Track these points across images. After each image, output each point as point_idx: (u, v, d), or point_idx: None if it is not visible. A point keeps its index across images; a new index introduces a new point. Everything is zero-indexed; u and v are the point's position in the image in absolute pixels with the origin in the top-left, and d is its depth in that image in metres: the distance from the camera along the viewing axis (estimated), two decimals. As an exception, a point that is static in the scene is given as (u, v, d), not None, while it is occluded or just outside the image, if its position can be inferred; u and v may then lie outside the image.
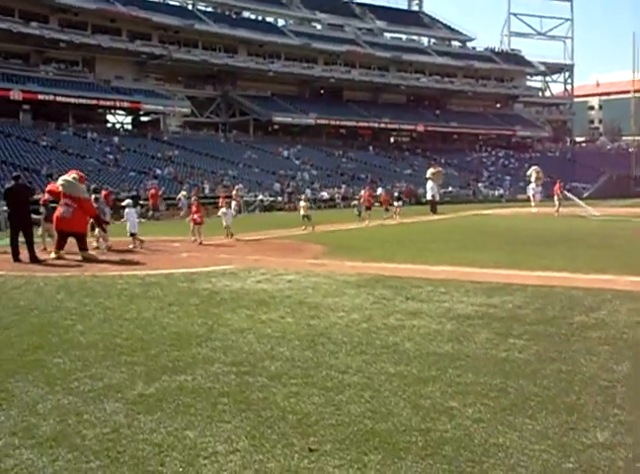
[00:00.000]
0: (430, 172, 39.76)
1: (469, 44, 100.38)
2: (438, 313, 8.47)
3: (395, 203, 33.69)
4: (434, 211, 36.74)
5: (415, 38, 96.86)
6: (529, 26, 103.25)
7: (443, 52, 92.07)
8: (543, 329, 7.59)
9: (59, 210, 15.30)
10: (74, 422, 4.74)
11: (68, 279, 11.36)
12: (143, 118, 70.15)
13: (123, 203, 19.57)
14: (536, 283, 10.57)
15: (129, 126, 69.76)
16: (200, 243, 18.39)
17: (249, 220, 31.67)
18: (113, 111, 66.94)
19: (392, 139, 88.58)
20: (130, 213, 18.33)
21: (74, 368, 6.07)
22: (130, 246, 17.32)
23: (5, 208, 18.68)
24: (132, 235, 17.80)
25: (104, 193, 20.97)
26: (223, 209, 19.54)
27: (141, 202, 35.49)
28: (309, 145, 72.71)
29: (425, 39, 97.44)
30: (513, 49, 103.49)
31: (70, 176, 15.59)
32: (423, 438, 4.41)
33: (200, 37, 69.88)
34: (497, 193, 69.42)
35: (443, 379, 5.75)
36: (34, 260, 14.52)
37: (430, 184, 38.94)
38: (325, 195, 52.01)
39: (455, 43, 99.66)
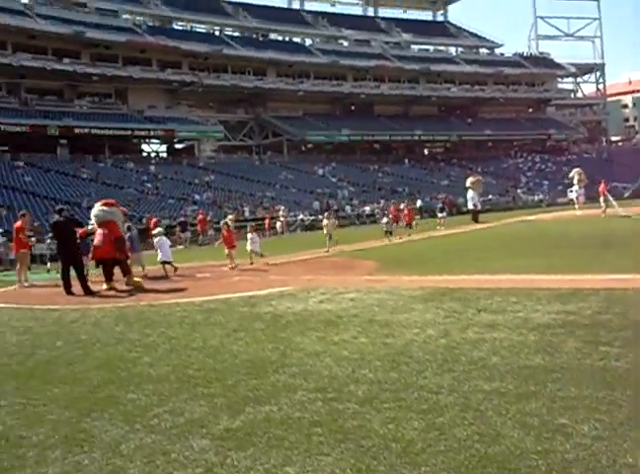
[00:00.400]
0: (469, 181, 39.19)
1: (497, 51, 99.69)
2: (515, 324, 8.03)
3: (439, 214, 33.42)
4: (476, 220, 36.14)
5: (442, 48, 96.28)
6: (557, 28, 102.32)
7: (472, 61, 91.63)
8: (633, 334, 7.09)
9: (95, 241, 15.11)
10: (162, 462, 4.42)
11: (124, 310, 11.10)
12: (178, 146, 70.48)
13: (154, 232, 19.36)
14: (606, 287, 10.05)
15: (164, 154, 70.09)
16: (232, 268, 18.05)
17: (292, 240, 31.33)
18: (147, 140, 67.43)
19: (426, 151, 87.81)
20: (162, 242, 18.23)
21: (150, 404, 5.75)
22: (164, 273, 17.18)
23: (49, 242, 18.86)
24: (165, 263, 17.68)
25: (154, 220, 20.94)
26: (249, 235, 18.79)
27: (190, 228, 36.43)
28: (344, 162, 72.64)
29: (452, 49, 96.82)
30: (541, 53, 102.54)
31: (96, 208, 15.43)
32: (544, 462, 4.02)
33: (228, 61, 70.41)
34: (536, 198, 68.27)
35: (545, 394, 5.33)
36: (87, 292, 14.35)
37: (470, 193, 38.36)
38: (367, 209, 51.59)
39: (483, 51, 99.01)
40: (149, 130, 62.55)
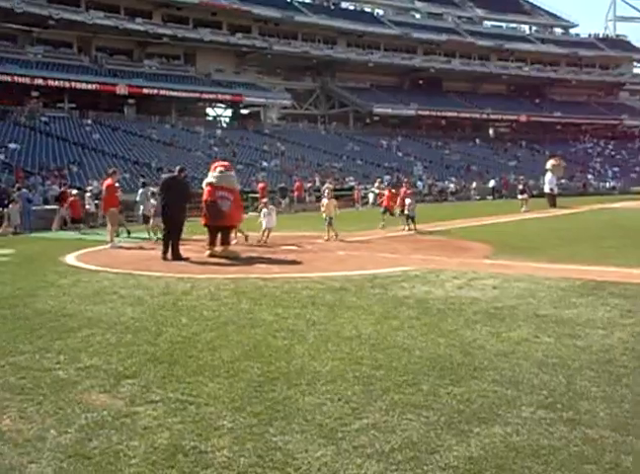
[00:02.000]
0: (550, 163, 37.45)
1: (572, 31, 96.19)
2: None
3: (520, 196, 31.95)
4: (553, 205, 34.33)
5: (515, 25, 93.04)
6: (636, 8, 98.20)
7: (546, 40, 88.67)
8: None
9: (209, 205, 14.05)
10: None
11: (238, 283, 10.05)
12: (243, 111, 69.52)
13: (264, 201, 18.95)
14: None
15: (228, 119, 69.25)
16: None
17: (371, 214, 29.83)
18: (213, 104, 66.57)
19: (491, 130, 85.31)
20: (272, 211, 17.70)
21: (343, 413, 4.67)
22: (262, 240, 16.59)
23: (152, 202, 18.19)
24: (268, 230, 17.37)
25: (261, 185, 20.16)
26: (265, 210, 17.17)
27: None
28: (409, 137, 70.97)
29: (526, 27, 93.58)
30: (618, 35, 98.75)
31: (217, 170, 14.31)
32: None
33: (299, 28, 68.99)
34: (608, 185, 65.63)
35: None
36: (176, 257, 13.37)
37: (549, 176, 36.52)
38: (452, 187, 50.16)
39: (557, 30, 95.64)
40: (217, 94, 61.57)
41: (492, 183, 51.54)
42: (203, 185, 14.40)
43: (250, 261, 13.19)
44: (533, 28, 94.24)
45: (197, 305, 8.35)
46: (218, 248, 13.84)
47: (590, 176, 68.56)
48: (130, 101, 56.52)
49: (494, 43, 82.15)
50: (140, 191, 21.61)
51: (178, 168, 14.59)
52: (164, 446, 4.05)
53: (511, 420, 4.51)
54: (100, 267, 12.22)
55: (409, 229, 20.23)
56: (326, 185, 32.27)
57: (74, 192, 23.73)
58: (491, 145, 77.44)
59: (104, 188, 17.50)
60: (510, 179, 56.95)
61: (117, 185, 18.31)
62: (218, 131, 57.68)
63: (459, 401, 4.89)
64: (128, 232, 19.94)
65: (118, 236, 18.32)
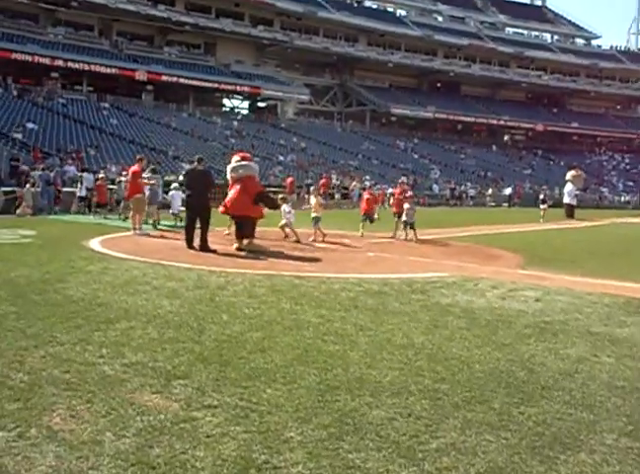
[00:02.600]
0: (570, 174, 37.11)
1: (594, 42, 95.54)
2: None
3: (541, 206, 31.57)
4: (570, 216, 33.92)
5: (537, 33, 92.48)
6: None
7: (567, 50, 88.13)
8: None
9: (229, 196, 13.81)
10: None
11: (273, 280, 9.73)
12: (260, 104, 69.18)
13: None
14: None
15: (245, 111, 68.91)
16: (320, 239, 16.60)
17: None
18: (231, 95, 66.23)
19: (506, 137, 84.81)
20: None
21: (417, 430, 4.35)
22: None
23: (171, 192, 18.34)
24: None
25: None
26: (285, 207, 16.59)
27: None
28: (425, 139, 70.55)
29: (547, 36, 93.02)
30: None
31: (234, 162, 14.05)
32: None
33: (320, 24, 68.74)
34: (622, 199, 65.19)
35: None
36: (204, 248, 13.10)
37: (569, 187, 36.11)
38: (472, 192, 49.87)
39: (579, 41, 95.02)
40: (235, 85, 61.19)
41: (508, 190, 51.15)
42: (228, 176, 14.10)
43: (278, 256, 12.87)
44: (555, 37, 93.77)
45: (235, 302, 8.02)
46: (245, 241, 13.50)
47: (604, 189, 68.09)
48: (149, 87, 56.22)
49: (514, 50, 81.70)
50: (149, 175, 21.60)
51: (197, 158, 14.31)
52: (232, 458, 3.73)
53: (595, 447, 4.20)
54: (126, 254, 11.90)
55: (408, 239, 17.87)
56: (353, 184, 32.07)
57: (101, 175, 23.37)
58: (506, 152, 77.03)
59: (130, 174, 17.15)
60: (525, 187, 56.58)
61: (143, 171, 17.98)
62: (235, 123, 57.37)
63: (536, 422, 4.58)
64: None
65: (146, 223, 18.07)
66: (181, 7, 61.17)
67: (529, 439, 4.28)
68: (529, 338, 7.01)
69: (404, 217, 18.04)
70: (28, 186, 22.75)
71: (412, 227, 17.93)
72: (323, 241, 16.12)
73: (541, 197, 33.92)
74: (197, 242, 13.41)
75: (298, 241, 15.56)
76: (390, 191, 37.73)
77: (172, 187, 21.15)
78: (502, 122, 79.40)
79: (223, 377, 5.17)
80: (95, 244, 13.61)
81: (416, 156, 64.08)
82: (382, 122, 75.42)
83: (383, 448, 4.00)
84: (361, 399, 4.85)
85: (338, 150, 57.55)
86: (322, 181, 37.86)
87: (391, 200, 23.01)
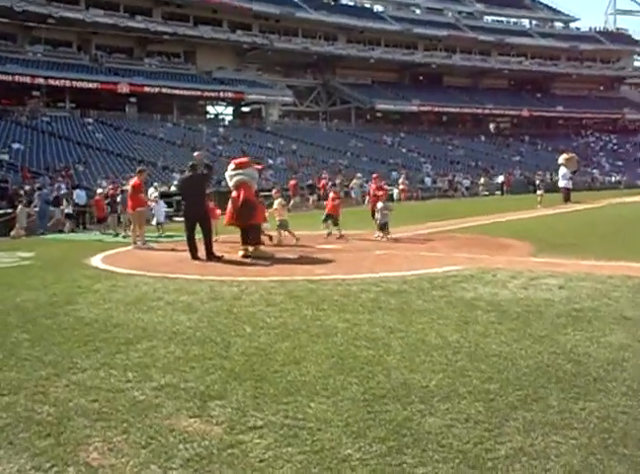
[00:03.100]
0: (563, 157, 36.84)
1: (572, 25, 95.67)
2: None
3: (538, 192, 31.39)
4: (567, 200, 33.74)
5: (515, 20, 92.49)
6: (636, 1, 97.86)
7: (547, 34, 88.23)
8: None
9: (229, 203, 13.52)
10: None
11: (287, 286, 9.46)
12: (244, 109, 68.87)
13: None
14: None
15: (230, 117, 68.61)
16: (340, 237, 16.54)
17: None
18: (215, 101, 65.95)
19: (492, 125, 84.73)
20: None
21: (482, 437, 4.01)
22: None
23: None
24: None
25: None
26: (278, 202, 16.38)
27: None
28: (412, 133, 70.38)
29: (526, 22, 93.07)
30: (618, 28, 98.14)
31: (230, 170, 13.76)
32: None
33: (299, 24, 68.62)
34: (613, 179, 65.17)
35: None
36: (211, 257, 12.78)
37: (563, 170, 35.87)
38: (467, 183, 49.77)
39: (558, 24, 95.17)
40: (219, 92, 60.88)
41: (500, 178, 51.00)
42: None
43: (286, 261, 12.58)
44: (534, 22, 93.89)
45: (254, 312, 7.72)
46: (250, 248, 13.21)
47: (594, 170, 68.05)
48: (132, 99, 55.86)
49: (494, 38, 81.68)
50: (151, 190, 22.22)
51: (189, 165, 14.02)
52: (295, 485, 3.42)
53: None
54: (132, 270, 11.58)
55: (382, 237, 16.26)
56: (353, 182, 31.84)
57: (99, 190, 23.29)
58: (493, 141, 76.97)
59: (130, 187, 16.85)
60: (515, 174, 56.53)
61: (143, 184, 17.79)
62: (221, 129, 57.17)
63: (600, 418, 4.31)
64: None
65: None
66: (158, 17, 60.84)
67: (599, 438, 4.01)
68: (565, 328, 6.75)
69: (377, 216, 16.46)
70: (20, 207, 22.38)
71: (383, 229, 16.22)
72: (296, 244, 15.51)
73: (537, 182, 33.71)
74: (201, 251, 13.07)
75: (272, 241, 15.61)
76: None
77: (152, 197, 21.52)
78: (487, 111, 79.40)
79: (261, 394, 4.87)
80: (97, 261, 13.28)
81: (404, 150, 63.91)
82: (367, 119, 75.28)
83: (449, 459, 3.72)
84: (412, 407, 4.57)
85: (326, 150, 57.30)
86: (322, 182, 37.70)
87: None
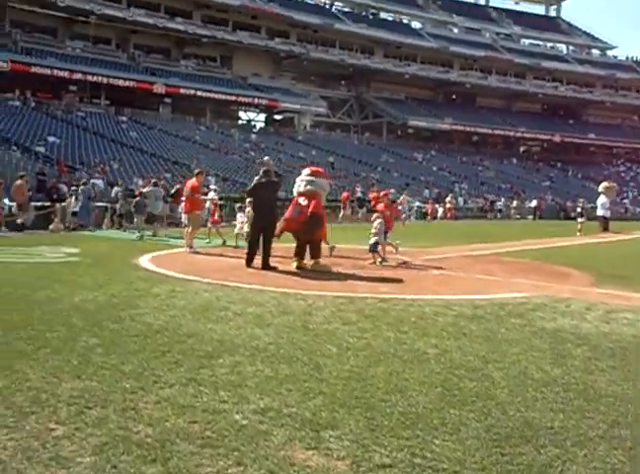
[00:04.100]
0: (603, 186, 36.22)
1: (610, 53, 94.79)
2: None
3: (579, 220, 30.85)
4: (605, 229, 33.12)
5: (552, 44, 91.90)
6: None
7: (583, 61, 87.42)
8: None
9: (289, 210, 13.07)
10: None
11: (357, 304, 9.00)
12: (276, 117, 68.69)
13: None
14: None
15: (261, 124, 68.46)
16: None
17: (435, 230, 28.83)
18: (248, 107, 65.76)
19: (522, 148, 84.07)
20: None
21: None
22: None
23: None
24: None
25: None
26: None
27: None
28: (442, 151, 70.04)
29: (563, 47, 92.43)
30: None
31: (303, 175, 13.31)
32: None
33: (337, 36, 68.32)
34: (644, 210, 64.27)
35: None
36: (266, 266, 12.35)
37: (602, 199, 35.27)
38: (499, 205, 49.45)
39: (595, 51, 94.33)
40: (253, 98, 60.70)
41: (534, 203, 50.36)
42: (294, 193, 13.37)
43: (344, 277, 12.11)
44: (570, 48, 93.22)
45: (332, 330, 7.30)
46: (308, 261, 12.78)
47: (625, 200, 67.20)
48: (166, 100, 55.77)
49: (530, 61, 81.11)
50: (148, 189, 21.80)
51: (262, 170, 13.57)
52: None
53: None
54: (185, 275, 11.20)
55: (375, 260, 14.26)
56: (402, 197, 31.51)
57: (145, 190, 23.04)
58: (523, 164, 76.31)
59: (188, 188, 16.52)
60: (547, 199, 55.92)
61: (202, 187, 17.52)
62: (253, 136, 56.97)
63: None
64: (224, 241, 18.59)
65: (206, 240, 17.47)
66: (198, 20, 60.85)
67: None
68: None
69: (373, 230, 14.18)
70: (67, 201, 22.23)
71: (374, 250, 14.17)
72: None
73: (578, 209, 33.16)
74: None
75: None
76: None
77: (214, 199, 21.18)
78: (518, 134, 78.83)
79: (376, 426, 4.44)
80: (146, 262, 12.93)
81: (435, 168, 63.47)
82: (398, 135, 74.85)
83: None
84: (547, 451, 4.13)
85: (357, 163, 56.98)
86: (372, 195, 37.38)
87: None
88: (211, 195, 22.16)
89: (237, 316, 7.82)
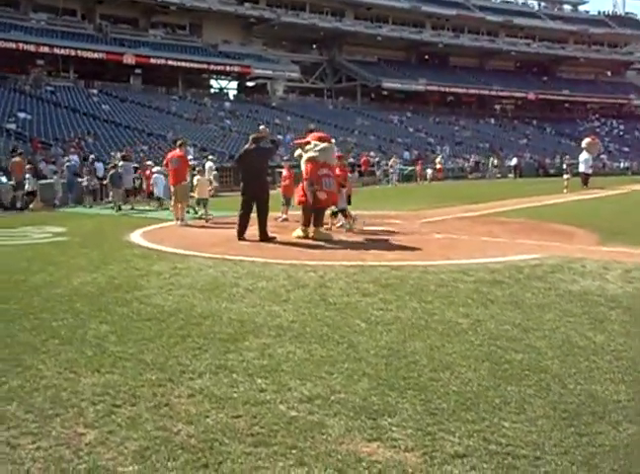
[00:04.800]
0: (585, 142, 35.89)
1: (581, 8, 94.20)
2: None
3: (565, 176, 30.63)
4: (585, 184, 32.95)
5: (523, 1, 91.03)
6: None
7: (555, 16, 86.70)
8: None
9: (320, 182, 12.46)
10: None
11: (368, 272, 8.64)
12: (249, 84, 67.59)
13: (154, 170, 20.58)
14: None
15: (234, 92, 67.39)
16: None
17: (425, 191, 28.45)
18: (220, 75, 64.54)
19: (497, 107, 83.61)
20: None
21: None
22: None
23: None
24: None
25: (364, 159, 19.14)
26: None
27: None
28: (417, 112, 69.40)
29: (534, 3, 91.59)
30: (627, 13, 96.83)
31: (317, 142, 12.73)
32: None
33: (307, -1, 66.66)
34: (622, 165, 64.37)
35: None
36: (264, 238, 11.90)
37: (585, 155, 34.99)
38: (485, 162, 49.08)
39: (567, 7, 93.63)
40: (225, 66, 59.45)
41: (514, 161, 50.11)
42: (302, 160, 12.80)
43: (347, 245, 11.71)
44: (542, 4, 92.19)
45: (353, 302, 6.93)
46: (309, 229, 12.34)
47: (603, 156, 67.19)
48: (137, 71, 54.48)
49: (503, 19, 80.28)
50: (121, 163, 21.58)
51: (252, 137, 13.01)
52: None
53: None
54: (182, 250, 10.74)
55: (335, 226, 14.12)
56: (392, 160, 31.26)
57: (148, 162, 22.56)
58: (499, 123, 75.95)
59: (171, 159, 15.87)
60: (525, 157, 55.80)
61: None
62: (227, 104, 55.99)
63: None
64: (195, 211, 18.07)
65: (188, 213, 16.93)
66: (165, -14, 59.22)
67: None
68: None
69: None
70: (55, 177, 21.67)
71: (342, 214, 13.90)
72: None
73: (564, 166, 32.91)
74: (250, 232, 12.20)
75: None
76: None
77: (154, 170, 20.75)
78: (493, 93, 78.21)
79: (434, 409, 4.08)
80: (138, 239, 12.45)
81: (411, 130, 62.97)
82: (372, 97, 74.02)
83: None
84: (624, 428, 3.77)
85: (333, 127, 56.07)
86: (362, 159, 37.36)
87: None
88: (209, 165, 22.28)
89: (249, 292, 7.40)
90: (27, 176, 21.46)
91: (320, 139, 12.71)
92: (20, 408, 4.13)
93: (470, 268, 8.94)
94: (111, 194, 20.73)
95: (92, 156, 24.53)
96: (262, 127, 17.29)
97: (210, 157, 26.22)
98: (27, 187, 21.17)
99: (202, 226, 15.19)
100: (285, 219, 15.15)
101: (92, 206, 20.39)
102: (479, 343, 5.49)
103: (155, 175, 19.71)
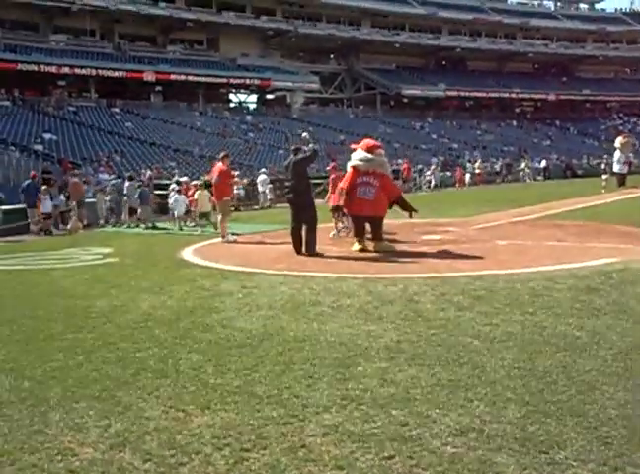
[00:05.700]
0: (619, 141, 35.26)
1: (597, 6, 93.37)
2: None
3: (603, 177, 30.07)
4: (623, 184, 32.34)
5: (539, 2, 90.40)
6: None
7: (572, 16, 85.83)
8: None
9: (357, 190, 12.06)
10: None
11: (452, 284, 8.15)
12: (269, 96, 67.42)
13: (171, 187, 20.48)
14: None
15: (254, 105, 67.21)
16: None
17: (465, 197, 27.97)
18: (240, 89, 64.50)
19: (518, 109, 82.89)
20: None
21: None
22: None
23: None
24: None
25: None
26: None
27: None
28: (438, 118, 68.96)
29: (550, 4, 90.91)
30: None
31: (360, 153, 12.32)
32: None
33: (323, 9, 66.79)
34: (648, 163, 63.26)
35: None
36: (313, 253, 11.60)
37: (618, 154, 34.38)
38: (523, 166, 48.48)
39: (583, 6, 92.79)
40: (244, 79, 59.37)
41: (543, 163, 49.46)
42: (348, 167, 12.44)
43: (412, 255, 11.23)
44: (558, 4, 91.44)
45: (452, 318, 6.52)
46: (368, 242, 11.89)
47: (630, 154, 66.24)
48: (157, 88, 54.49)
49: (520, 21, 79.70)
50: (127, 184, 21.33)
51: (293, 148, 12.65)
52: None
53: None
54: (246, 267, 10.29)
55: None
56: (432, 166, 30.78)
57: (193, 182, 22.02)
58: (520, 125, 75.27)
59: (216, 174, 15.49)
60: (552, 159, 55.13)
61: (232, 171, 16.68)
62: (248, 117, 55.78)
63: None
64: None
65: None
66: (181, 3, 59.29)
67: None
68: None
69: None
70: (98, 195, 21.70)
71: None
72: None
73: (603, 166, 32.23)
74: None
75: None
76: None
77: (170, 187, 20.70)
78: (512, 95, 77.63)
79: (607, 438, 3.62)
80: (191, 257, 12.02)
81: (434, 136, 62.46)
82: (392, 105, 73.60)
83: None
84: None
85: (355, 136, 55.58)
86: (404, 166, 37.06)
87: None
88: (262, 177, 24.05)
89: (336, 311, 6.96)
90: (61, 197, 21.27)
91: (369, 148, 12.32)
92: (136, 456, 3.67)
93: (555, 275, 8.47)
94: (139, 211, 20.36)
95: (127, 174, 24.12)
96: (304, 135, 16.83)
97: (263, 170, 26.02)
98: (61, 207, 20.96)
99: (249, 241, 14.74)
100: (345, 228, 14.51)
101: (138, 226, 19.92)
102: (611, 358, 5.00)
103: (175, 195, 19.18)
